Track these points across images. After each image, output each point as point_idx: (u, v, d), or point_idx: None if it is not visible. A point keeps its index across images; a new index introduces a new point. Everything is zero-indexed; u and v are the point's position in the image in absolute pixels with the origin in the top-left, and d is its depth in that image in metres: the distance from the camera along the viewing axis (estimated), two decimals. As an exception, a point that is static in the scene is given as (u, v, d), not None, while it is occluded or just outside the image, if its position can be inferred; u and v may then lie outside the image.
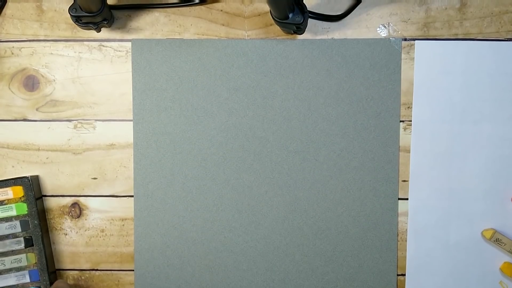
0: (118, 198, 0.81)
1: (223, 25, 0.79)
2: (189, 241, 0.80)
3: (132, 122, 0.80)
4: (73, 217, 0.81)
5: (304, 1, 0.75)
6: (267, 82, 0.79)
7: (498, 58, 0.77)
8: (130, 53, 0.79)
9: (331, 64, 0.78)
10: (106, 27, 0.79)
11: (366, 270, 0.79)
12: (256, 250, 0.80)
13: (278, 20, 0.71)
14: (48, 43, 0.80)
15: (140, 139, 0.80)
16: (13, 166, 0.80)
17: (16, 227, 0.77)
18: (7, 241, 0.77)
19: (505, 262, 0.78)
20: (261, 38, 0.79)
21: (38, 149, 0.80)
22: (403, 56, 0.78)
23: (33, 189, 0.77)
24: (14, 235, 0.77)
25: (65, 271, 0.82)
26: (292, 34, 0.78)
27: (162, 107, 0.79)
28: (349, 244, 0.79)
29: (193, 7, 0.79)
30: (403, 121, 0.78)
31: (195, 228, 0.80)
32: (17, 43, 0.80)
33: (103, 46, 0.80)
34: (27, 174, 0.80)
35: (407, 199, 0.79)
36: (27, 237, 0.77)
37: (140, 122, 0.80)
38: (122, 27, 0.79)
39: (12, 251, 0.78)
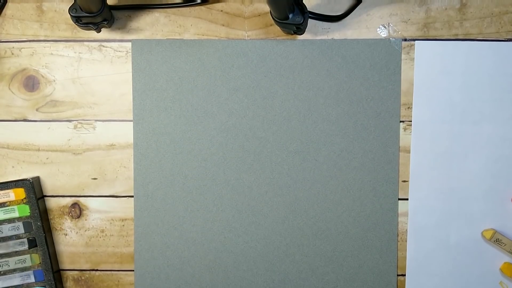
0: (118, 198, 0.81)
1: (223, 25, 0.79)
2: (189, 241, 0.80)
3: (132, 122, 0.80)
4: (73, 218, 0.81)
5: (304, 2, 0.75)
6: (267, 83, 0.79)
7: (498, 59, 0.77)
8: (130, 53, 0.79)
9: (331, 65, 0.78)
10: (106, 28, 0.79)
11: (366, 270, 0.79)
12: (256, 251, 0.80)
13: (278, 20, 0.71)
14: (48, 44, 0.80)
15: (140, 139, 0.80)
16: (13, 167, 0.81)
17: (19, 229, 0.77)
18: (11, 242, 0.77)
19: (505, 263, 0.78)
20: (261, 38, 0.79)
21: (38, 150, 0.80)
22: (403, 56, 0.78)
23: (34, 191, 0.77)
24: (17, 236, 0.78)
25: (65, 272, 0.82)
26: (292, 34, 0.78)
27: (162, 108, 0.79)
28: (349, 244, 0.79)
29: (193, 7, 0.79)
30: (403, 121, 0.78)
31: (195, 229, 0.80)
32: (17, 43, 0.80)
33: (103, 46, 0.80)
34: (27, 174, 0.80)
35: (407, 199, 0.79)
36: (30, 238, 0.78)
37: (140, 122, 0.80)
38: (122, 27, 0.79)
39: (16, 252, 0.78)
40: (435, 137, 0.78)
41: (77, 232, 0.81)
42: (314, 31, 0.78)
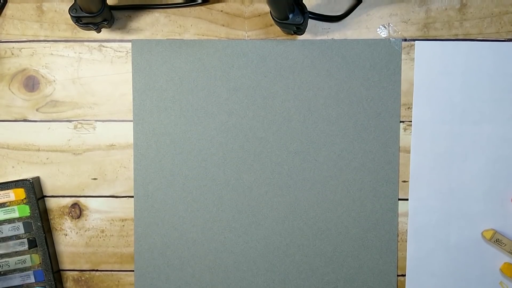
0: (118, 198, 0.81)
1: (223, 25, 0.79)
2: (189, 242, 0.80)
3: (132, 122, 0.80)
4: (73, 218, 0.81)
5: (304, 2, 0.75)
6: (267, 83, 0.79)
7: (498, 59, 0.77)
8: (130, 53, 0.79)
9: (331, 65, 0.78)
10: (106, 28, 0.79)
11: (366, 270, 0.79)
12: (256, 251, 0.80)
13: (278, 20, 0.71)
14: (48, 44, 0.80)
15: (140, 139, 0.80)
16: (13, 167, 0.81)
17: (19, 229, 0.77)
18: (11, 243, 0.77)
19: (505, 263, 0.78)
20: (261, 38, 0.79)
21: (38, 150, 0.80)
22: (403, 56, 0.78)
23: (34, 191, 0.77)
24: (17, 237, 0.78)
25: (65, 272, 0.82)
26: (292, 34, 0.78)
27: (162, 108, 0.79)
28: (349, 244, 0.79)
29: (193, 7, 0.79)
30: (403, 122, 0.78)
31: (195, 229, 0.80)
32: (17, 43, 0.80)
33: (103, 46, 0.80)
34: (27, 174, 0.80)
35: (407, 199, 0.79)
36: (30, 238, 0.78)
37: (140, 122, 0.80)
38: (122, 27, 0.79)
39: (16, 252, 0.78)
40: (435, 137, 0.78)
41: (77, 232, 0.81)
42: (314, 31, 0.78)
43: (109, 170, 0.80)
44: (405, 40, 0.78)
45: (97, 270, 0.82)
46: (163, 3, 0.79)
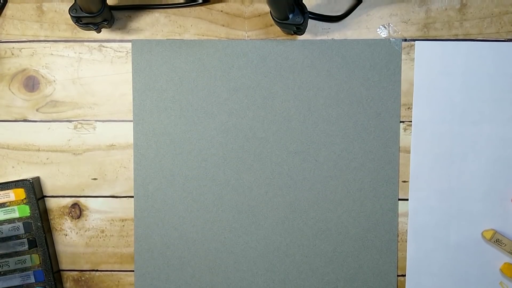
0: (118, 198, 0.81)
1: (223, 25, 0.79)
2: (189, 242, 0.80)
3: (132, 122, 0.80)
4: (73, 218, 0.81)
5: (304, 2, 0.75)
6: (267, 83, 0.79)
7: (498, 59, 0.77)
8: (130, 53, 0.79)
9: (331, 65, 0.78)
10: (106, 28, 0.79)
11: (366, 270, 0.79)
12: (256, 251, 0.80)
13: (278, 20, 0.71)
14: (48, 44, 0.80)
15: (140, 139, 0.80)
16: (13, 167, 0.81)
17: (19, 229, 0.77)
18: (11, 243, 0.77)
19: (505, 263, 0.78)
20: (261, 38, 0.79)
21: (38, 150, 0.80)
22: (403, 56, 0.78)
23: (34, 191, 0.77)
24: (17, 237, 0.78)
25: (65, 272, 0.82)
26: (292, 34, 0.78)
27: (162, 108, 0.79)
28: (349, 244, 0.79)
29: (193, 8, 0.79)
30: (403, 122, 0.78)
31: (195, 229, 0.80)
32: (17, 43, 0.80)
33: (103, 46, 0.80)
34: (27, 174, 0.80)
35: (407, 199, 0.79)
36: (30, 238, 0.78)
37: (140, 122, 0.80)
38: (122, 27, 0.79)
39: (16, 252, 0.78)
40: (435, 137, 0.78)
41: (77, 233, 0.81)
42: (314, 31, 0.78)
43: (109, 170, 0.80)
44: (405, 40, 0.78)
45: (97, 270, 0.82)
46: (163, 3, 0.79)
